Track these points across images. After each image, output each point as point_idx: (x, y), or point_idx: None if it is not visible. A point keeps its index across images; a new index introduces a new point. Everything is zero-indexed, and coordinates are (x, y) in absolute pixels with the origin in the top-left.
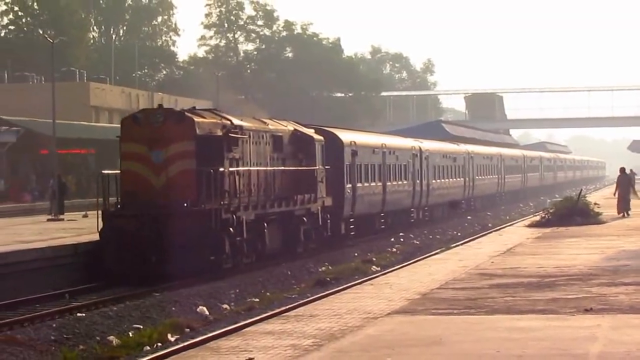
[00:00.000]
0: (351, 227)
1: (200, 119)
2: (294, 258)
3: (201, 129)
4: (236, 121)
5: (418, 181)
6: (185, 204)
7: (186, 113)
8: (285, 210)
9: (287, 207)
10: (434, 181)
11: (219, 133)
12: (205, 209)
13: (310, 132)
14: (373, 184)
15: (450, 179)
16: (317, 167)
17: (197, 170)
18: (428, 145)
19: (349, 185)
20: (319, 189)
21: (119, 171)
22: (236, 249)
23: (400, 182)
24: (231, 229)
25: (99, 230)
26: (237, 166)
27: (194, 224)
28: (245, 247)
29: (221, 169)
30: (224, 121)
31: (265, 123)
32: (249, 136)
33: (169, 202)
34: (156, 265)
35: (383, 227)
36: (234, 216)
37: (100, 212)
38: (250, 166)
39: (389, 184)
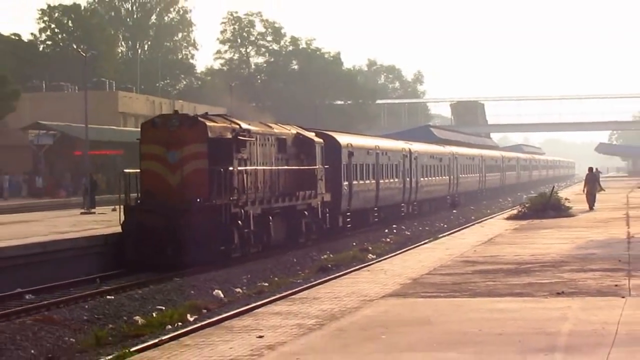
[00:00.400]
0: (348, 220)
1: (212, 123)
2: (297, 247)
3: (212, 132)
4: (244, 125)
5: (408, 179)
6: (198, 200)
7: (199, 118)
8: (289, 205)
9: (290, 202)
10: (422, 179)
11: (229, 136)
12: (216, 204)
13: (311, 135)
14: (367, 181)
15: (437, 177)
16: (317, 167)
17: (208, 170)
18: (417, 147)
19: (346, 183)
20: (318, 186)
21: (139, 170)
22: (244, 240)
23: (392, 180)
24: (240, 222)
25: (121, 223)
26: (245, 165)
27: (206, 218)
28: (252, 238)
29: (230, 168)
30: (233, 125)
31: (270, 127)
32: (256, 139)
33: (183, 198)
34: (171, 256)
35: (376, 220)
36: (242, 210)
37: (122, 206)
38: (257, 166)
39: (381, 181)
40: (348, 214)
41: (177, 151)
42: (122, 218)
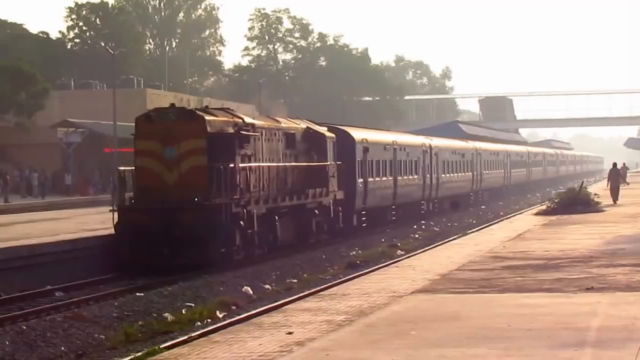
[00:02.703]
0: (363, 218)
1: (212, 117)
2: (327, 244)
3: (212, 127)
4: (248, 119)
5: (428, 175)
6: (196, 199)
7: (197, 112)
8: (297, 203)
9: (298, 200)
10: (443, 175)
11: (231, 131)
12: (215, 204)
13: (322, 129)
14: (384, 178)
15: (459, 174)
16: (329, 163)
17: (208, 167)
18: (437, 142)
19: (361, 180)
20: (330, 184)
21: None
22: (247, 241)
23: (410, 177)
24: (241, 222)
25: (114, 224)
26: (249, 162)
27: (204, 218)
28: (257, 239)
29: (231, 165)
30: (236, 119)
31: (278, 121)
32: (261, 134)
33: (180, 197)
34: (168, 257)
35: (394, 218)
36: (245, 210)
37: (115, 206)
38: (262, 162)
39: (399, 178)
40: (363, 212)
41: (174, 147)
42: (116, 219)
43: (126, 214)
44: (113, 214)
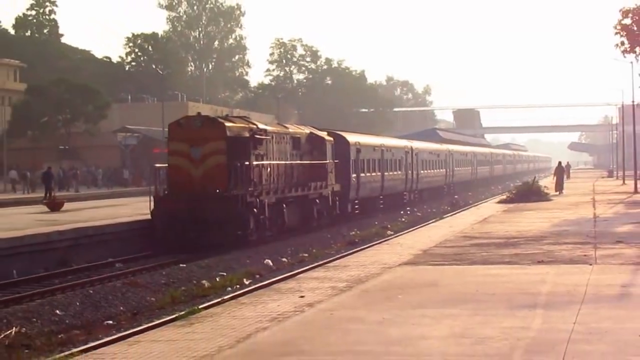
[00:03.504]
0: (356, 207)
1: (230, 124)
2: (331, 226)
3: (231, 132)
4: (261, 126)
5: (410, 171)
6: (217, 191)
7: (219, 119)
8: (301, 194)
9: (302, 192)
10: (422, 171)
11: (246, 135)
12: (233, 194)
13: (323, 134)
14: (374, 174)
15: (435, 170)
16: (328, 161)
17: (227, 164)
18: (417, 145)
19: (354, 175)
20: (329, 178)
21: (167, 165)
22: (260, 225)
23: (395, 172)
24: (255, 209)
25: (151, 210)
26: (262, 160)
27: (224, 206)
28: (268, 223)
29: (247, 163)
30: (251, 125)
31: (286, 127)
32: (272, 137)
33: (205, 189)
34: (194, 239)
35: (382, 206)
36: (258, 199)
37: (152, 196)
38: (273, 160)
39: (386, 173)
40: (356, 201)
41: (200, 148)
42: (152, 207)
43: (160, 203)
44: (149, 203)
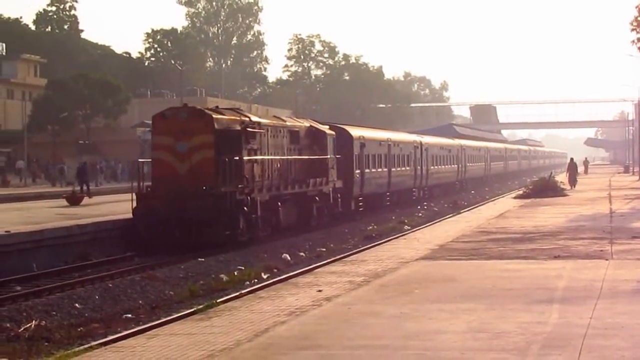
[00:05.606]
0: (360, 204)
1: (219, 116)
2: (350, 221)
3: (219, 124)
4: (254, 118)
5: (419, 167)
6: (204, 187)
7: (206, 111)
8: (299, 191)
9: (300, 189)
10: (432, 167)
11: (237, 128)
12: (221, 192)
13: (324, 127)
14: (380, 169)
15: (446, 166)
16: (329, 156)
17: (215, 159)
18: (427, 139)
19: (358, 171)
20: (330, 174)
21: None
22: (251, 224)
23: (403, 168)
24: (245, 207)
25: (133, 208)
26: (255, 155)
27: (211, 204)
28: (260, 223)
29: (237, 158)
30: (243, 118)
31: (284, 120)
32: (267, 131)
33: (191, 186)
34: (179, 238)
35: (388, 203)
36: (249, 197)
37: (134, 194)
38: (267, 155)
39: (393, 169)
40: (360, 198)
41: (186, 142)
42: (134, 204)
43: (143, 200)
44: (132, 200)
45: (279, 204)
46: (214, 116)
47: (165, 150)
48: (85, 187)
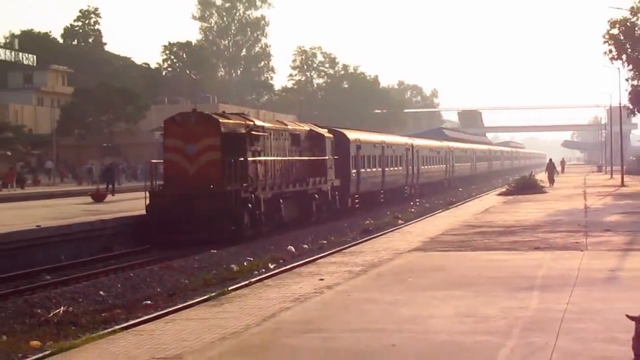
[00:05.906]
0: (356, 201)
1: (225, 120)
2: (348, 216)
3: (225, 128)
4: (258, 122)
5: (410, 167)
6: (211, 186)
7: (213, 115)
8: (299, 190)
9: (300, 187)
10: (422, 167)
11: (242, 131)
12: (226, 190)
13: (323, 131)
14: (374, 169)
15: (435, 165)
16: (327, 157)
17: (221, 160)
18: (418, 142)
19: (354, 171)
20: (328, 174)
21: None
22: (255, 220)
23: (396, 168)
24: (249, 205)
25: (146, 205)
26: (259, 156)
27: (217, 202)
28: (264, 219)
29: (241, 159)
30: (247, 122)
31: (285, 124)
32: (270, 134)
33: (199, 185)
34: (188, 234)
35: (382, 200)
36: (253, 195)
37: (147, 192)
38: (270, 157)
39: (387, 169)
40: (357, 196)
41: (194, 144)
42: (148, 202)
43: (155, 198)
44: (145, 198)
45: (281, 201)
46: (220, 120)
47: (175, 152)
48: (110, 186)
